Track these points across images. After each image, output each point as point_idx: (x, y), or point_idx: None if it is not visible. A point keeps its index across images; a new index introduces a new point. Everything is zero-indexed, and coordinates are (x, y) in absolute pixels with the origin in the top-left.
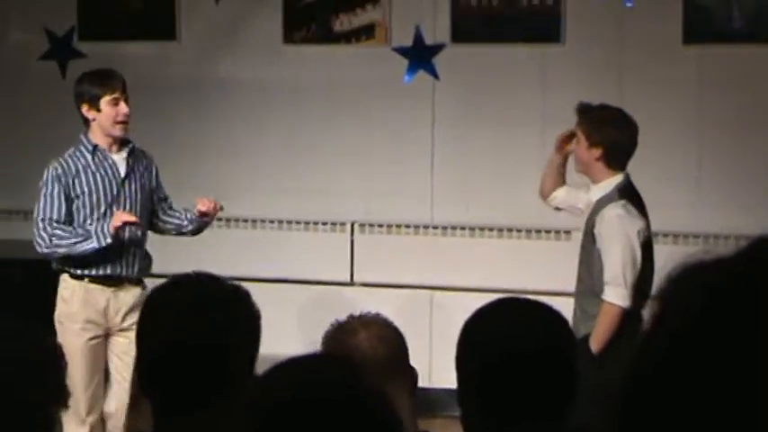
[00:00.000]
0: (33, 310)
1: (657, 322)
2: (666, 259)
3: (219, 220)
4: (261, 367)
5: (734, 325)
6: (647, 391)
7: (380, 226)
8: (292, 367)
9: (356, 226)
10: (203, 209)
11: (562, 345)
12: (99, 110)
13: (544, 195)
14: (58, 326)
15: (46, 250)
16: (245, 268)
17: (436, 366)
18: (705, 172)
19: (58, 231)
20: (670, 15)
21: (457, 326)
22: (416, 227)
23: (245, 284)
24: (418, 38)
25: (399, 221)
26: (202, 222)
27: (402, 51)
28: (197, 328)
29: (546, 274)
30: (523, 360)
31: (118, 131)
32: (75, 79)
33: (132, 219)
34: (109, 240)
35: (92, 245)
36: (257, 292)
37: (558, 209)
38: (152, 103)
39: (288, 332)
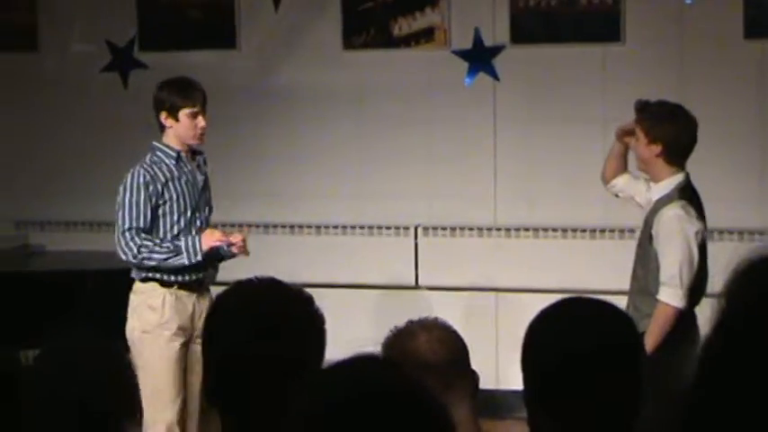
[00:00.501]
0: (104, 320)
1: (722, 316)
2: (732, 256)
3: (284, 227)
4: None
5: None
6: (712, 386)
7: (444, 229)
8: (338, 370)
9: (420, 229)
10: (234, 240)
11: (629, 345)
12: (177, 120)
13: (605, 181)
14: (144, 336)
15: (134, 261)
16: (310, 274)
17: (503, 368)
18: None
19: (147, 243)
20: (731, 10)
21: (522, 327)
22: (480, 229)
23: (309, 290)
24: (477, 40)
25: (463, 224)
26: (227, 253)
27: (462, 54)
28: (263, 336)
29: (611, 274)
30: (589, 361)
31: (194, 141)
32: (137, 87)
33: (224, 239)
34: (200, 258)
35: (182, 260)
36: (322, 298)
37: (616, 196)
38: (213, 111)
39: (354, 337)
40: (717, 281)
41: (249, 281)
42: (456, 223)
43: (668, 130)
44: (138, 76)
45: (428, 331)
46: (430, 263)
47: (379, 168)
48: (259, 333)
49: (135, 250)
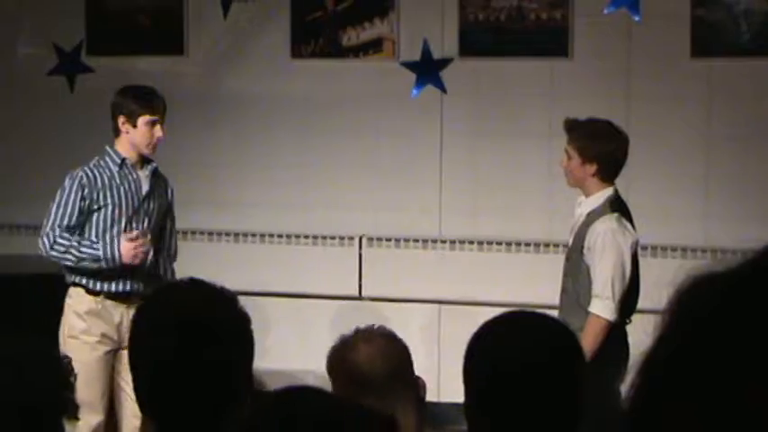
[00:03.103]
0: (40, 324)
1: (667, 331)
2: (675, 273)
3: (227, 234)
4: (271, 381)
5: (743, 332)
6: (657, 400)
7: (388, 240)
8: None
9: (364, 240)
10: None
11: (570, 358)
12: (135, 126)
13: None
14: (69, 341)
15: (48, 254)
16: (254, 282)
17: (444, 380)
18: (713, 186)
19: (63, 241)
20: (678, 29)
21: (465, 340)
22: (425, 240)
23: (253, 299)
24: (426, 52)
25: (407, 235)
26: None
27: (410, 65)
28: (188, 339)
29: (554, 288)
30: (530, 373)
31: (147, 150)
32: (84, 91)
33: (140, 248)
34: (117, 264)
35: (99, 264)
36: (265, 307)
37: None
38: None
39: (296, 347)
40: (660, 297)
41: (169, 285)
42: (401, 234)
43: (602, 150)
44: (84, 80)
45: (368, 342)
46: (374, 274)
47: (325, 178)
48: (184, 337)
49: (48, 245)
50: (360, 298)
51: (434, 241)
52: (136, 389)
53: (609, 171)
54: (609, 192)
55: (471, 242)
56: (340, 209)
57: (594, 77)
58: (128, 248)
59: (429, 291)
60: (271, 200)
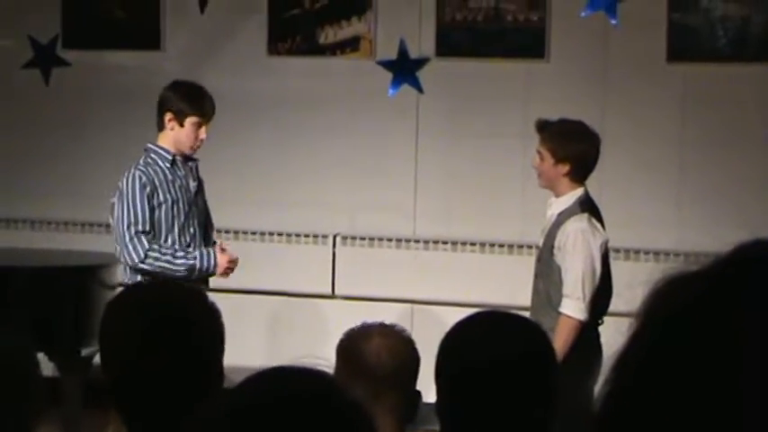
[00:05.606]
0: (16, 317)
1: (639, 330)
2: (649, 274)
3: None
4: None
5: (715, 331)
6: (628, 399)
7: (363, 239)
8: (262, 376)
9: (338, 239)
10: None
11: (542, 358)
12: (182, 125)
13: None
14: None
15: (137, 265)
16: (228, 279)
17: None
18: (687, 190)
19: (155, 247)
20: (655, 33)
21: (437, 340)
22: (399, 240)
23: (227, 296)
24: (403, 51)
25: (382, 235)
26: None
27: (387, 64)
28: (159, 338)
29: (527, 290)
30: (501, 373)
31: (189, 151)
32: (59, 85)
33: (233, 265)
34: (212, 270)
35: (192, 262)
36: (239, 304)
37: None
38: (135, 112)
39: (269, 344)
40: (631, 300)
41: (139, 283)
42: (375, 234)
43: (575, 150)
44: (60, 73)
45: (384, 337)
46: (347, 273)
47: (300, 176)
48: (155, 332)
49: (137, 258)
50: (333, 297)
51: (408, 241)
52: (107, 382)
53: (581, 171)
54: (579, 192)
55: (445, 242)
56: (314, 207)
57: (571, 80)
58: (223, 261)
59: (402, 291)
60: (245, 197)
